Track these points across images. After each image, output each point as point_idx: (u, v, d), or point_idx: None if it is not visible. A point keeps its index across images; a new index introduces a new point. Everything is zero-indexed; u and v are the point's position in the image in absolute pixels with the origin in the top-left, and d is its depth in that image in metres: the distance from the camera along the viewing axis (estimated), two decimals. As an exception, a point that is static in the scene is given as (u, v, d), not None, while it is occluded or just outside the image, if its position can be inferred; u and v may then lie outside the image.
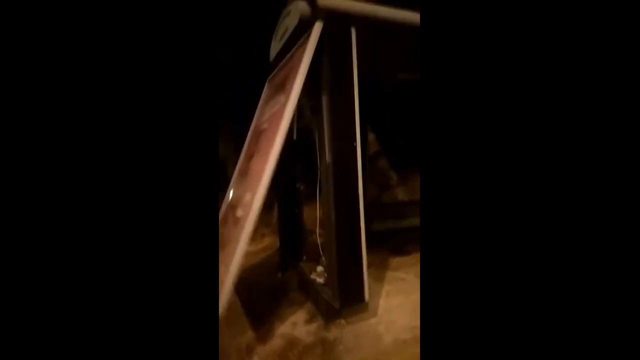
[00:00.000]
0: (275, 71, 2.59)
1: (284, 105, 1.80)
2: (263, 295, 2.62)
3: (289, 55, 2.22)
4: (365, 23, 1.88)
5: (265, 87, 2.78)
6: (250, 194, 1.88)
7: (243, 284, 2.92)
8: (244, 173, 2.26)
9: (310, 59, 1.72)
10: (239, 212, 1.99)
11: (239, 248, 1.68)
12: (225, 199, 2.69)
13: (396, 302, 2.37)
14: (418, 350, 1.83)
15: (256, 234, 4.47)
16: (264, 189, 1.67)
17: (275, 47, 2.60)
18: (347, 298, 1.92)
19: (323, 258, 2.17)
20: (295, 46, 2.09)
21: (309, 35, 1.82)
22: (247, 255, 3.64)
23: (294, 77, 1.77)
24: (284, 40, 2.35)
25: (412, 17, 1.96)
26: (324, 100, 1.82)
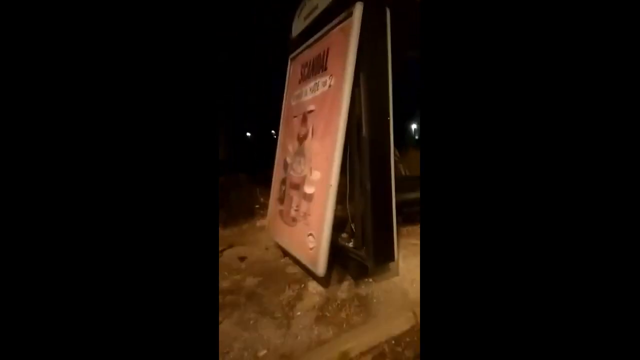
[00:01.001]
0: (301, 49, 2.67)
1: (337, 88, 1.95)
2: (291, 260, 2.83)
3: (320, 33, 2.31)
4: (397, 3, 2.00)
5: (291, 64, 2.86)
6: (319, 172, 2.07)
7: (270, 251, 3.13)
8: (300, 154, 2.42)
9: (358, 41, 1.84)
10: (309, 189, 2.20)
11: (327, 217, 1.96)
12: (277, 180, 2.85)
13: (414, 263, 2.65)
14: (442, 299, 2.12)
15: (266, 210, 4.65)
16: (338, 167, 1.90)
17: (298, 25, 2.66)
18: (380, 257, 2.16)
19: (352, 225, 2.38)
20: (329, 25, 2.18)
21: (348, 15, 1.93)
22: (263, 228, 3.82)
23: (342, 59, 1.91)
24: (310, 18, 2.42)
25: None
26: (362, 78, 1.96)
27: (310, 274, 2.52)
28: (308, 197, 2.24)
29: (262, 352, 1.77)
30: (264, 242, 3.44)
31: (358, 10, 1.85)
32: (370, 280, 2.40)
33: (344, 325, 1.93)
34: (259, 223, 4.22)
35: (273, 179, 3.00)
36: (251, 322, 2.05)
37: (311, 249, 2.17)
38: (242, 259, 3.03)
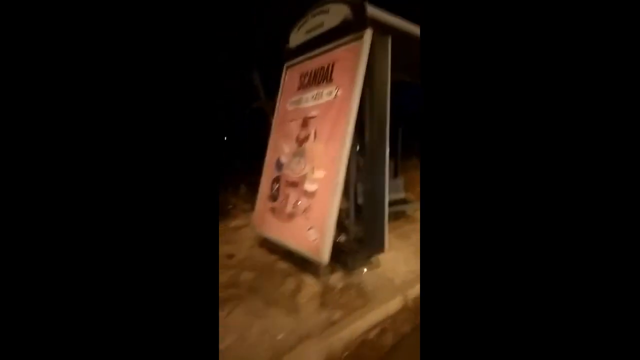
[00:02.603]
0: (300, 59, 2.88)
1: (344, 98, 2.23)
2: (284, 256, 2.98)
3: (323, 49, 2.57)
4: (397, 33, 2.37)
5: (287, 72, 3.05)
6: (322, 171, 2.30)
7: (256, 249, 3.21)
8: (299, 154, 2.61)
9: (367, 60, 2.15)
10: (311, 187, 2.40)
11: (332, 211, 2.20)
12: (268, 179, 2.98)
13: (390, 256, 3.02)
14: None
15: (237, 211, 4.68)
16: (345, 166, 2.18)
17: (298, 37, 2.89)
18: (375, 249, 2.47)
19: (347, 222, 2.66)
20: (335, 43, 2.45)
21: (358, 38, 2.23)
22: (238, 228, 3.88)
23: (350, 74, 2.20)
24: (313, 33, 2.68)
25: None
26: (367, 92, 2.27)
27: (303, 268, 2.72)
28: (309, 194, 2.46)
29: (280, 335, 1.93)
30: (245, 241, 3.50)
31: (368, 35, 2.17)
32: (359, 270, 2.69)
33: (347, 309, 2.18)
34: (234, 223, 4.23)
35: (262, 178, 3.12)
36: (260, 311, 2.17)
37: (312, 241, 2.39)
38: (229, 256, 3.08)
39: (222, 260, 2.98)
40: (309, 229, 2.40)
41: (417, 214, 4.49)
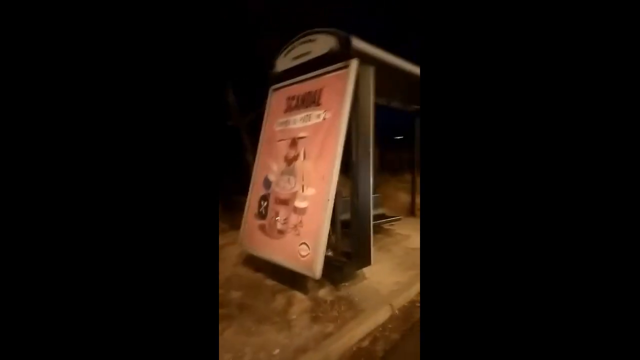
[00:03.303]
0: (287, 83, 3.04)
1: (333, 121, 2.40)
2: (271, 273, 3.00)
3: (311, 75, 2.75)
4: (380, 64, 2.62)
5: (273, 94, 3.18)
6: (312, 188, 2.41)
7: (239, 268, 3.20)
8: (289, 173, 2.71)
9: (353, 87, 2.35)
10: (301, 204, 2.49)
11: (323, 227, 2.29)
12: (255, 197, 3.03)
13: (374, 269, 3.16)
14: (408, 294, 2.66)
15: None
16: (335, 184, 2.30)
17: (285, 63, 3.05)
18: (362, 263, 2.60)
19: (333, 236, 2.77)
20: (322, 70, 2.65)
21: (345, 67, 2.44)
22: (220, 247, 3.85)
23: (338, 99, 2.39)
24: (301, 60, 2.86)
25: (409, 66, 2.84)
26: (354, 116, 2.46)
27: (291, 284, 2.76)
28: (299, 211, 2.55)
29: (276, 351, 1.96)
30: (229, 259, 3.48)
31: (354, 64, 2.38)
32: (346, 284, 2.79)
33: (338, 321, 2.27)
34: (214, 242, 4.17)
35: (249, 196, 3.17)
36: (252, 329, 2.19)
37: (304, 256, 2.46)
38: (215, 275, 3.04)
39: (207, 280, 2.94)
40: (300, 244, 2.48)
41: (395, 228, 4.72)
